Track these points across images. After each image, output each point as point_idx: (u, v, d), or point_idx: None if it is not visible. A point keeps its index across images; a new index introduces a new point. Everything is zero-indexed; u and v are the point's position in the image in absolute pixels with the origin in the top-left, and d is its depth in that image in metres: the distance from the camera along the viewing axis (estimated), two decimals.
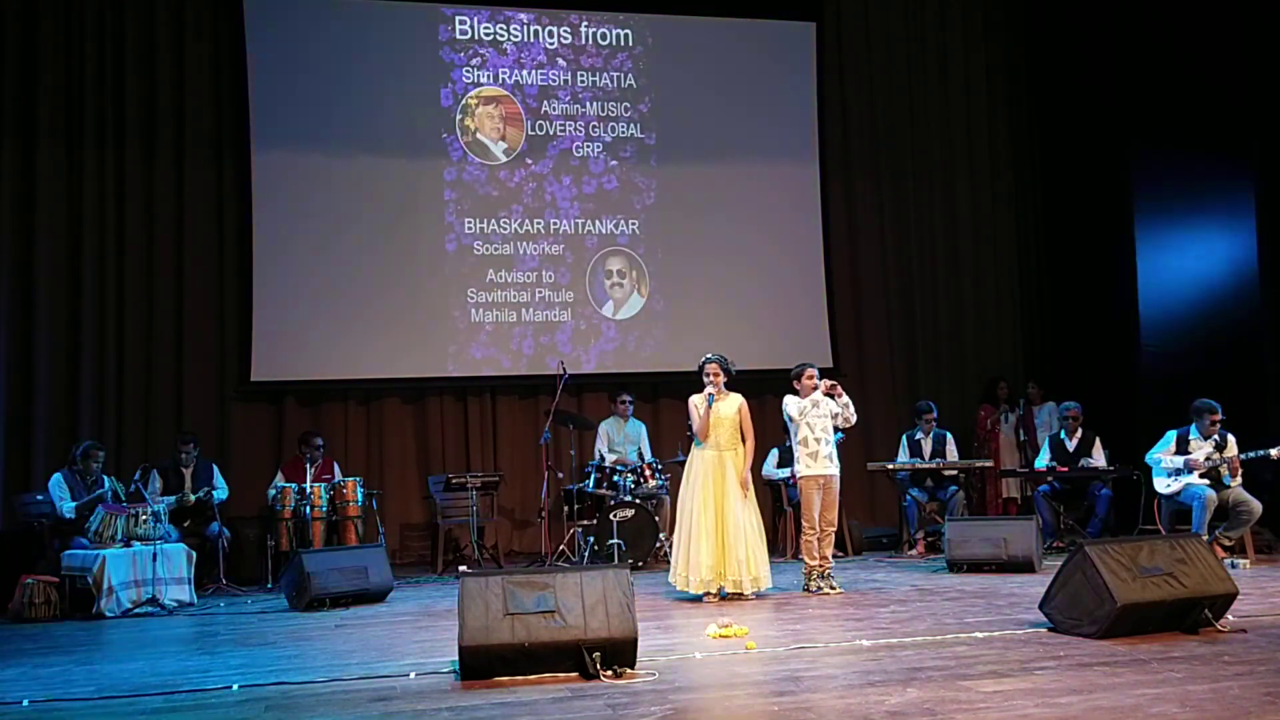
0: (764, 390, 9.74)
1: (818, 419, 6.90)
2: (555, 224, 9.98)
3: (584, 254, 10.04)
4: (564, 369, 8.86)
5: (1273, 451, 7.60)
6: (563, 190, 10.03)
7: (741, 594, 6.56)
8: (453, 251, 9.76)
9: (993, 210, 11.26)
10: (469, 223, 9.79)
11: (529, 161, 9.98)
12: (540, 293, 9.91)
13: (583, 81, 10.14)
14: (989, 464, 9.47)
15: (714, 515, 6.60)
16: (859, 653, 4.82)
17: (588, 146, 10.10)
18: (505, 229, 9.87)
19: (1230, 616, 5.11)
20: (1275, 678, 4.07)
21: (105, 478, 7.87)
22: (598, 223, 10.08)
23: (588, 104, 10.13)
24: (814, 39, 10.65)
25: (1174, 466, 7.91)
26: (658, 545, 8.29)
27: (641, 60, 10.27)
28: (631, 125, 10.21)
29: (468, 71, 9.90)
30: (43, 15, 9.06)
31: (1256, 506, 7.63)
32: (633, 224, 10.16)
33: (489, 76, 9.96)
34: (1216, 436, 7.81)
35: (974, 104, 11.24)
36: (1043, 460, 8.90)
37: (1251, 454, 7.69)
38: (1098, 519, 8.58)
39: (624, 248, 10.15)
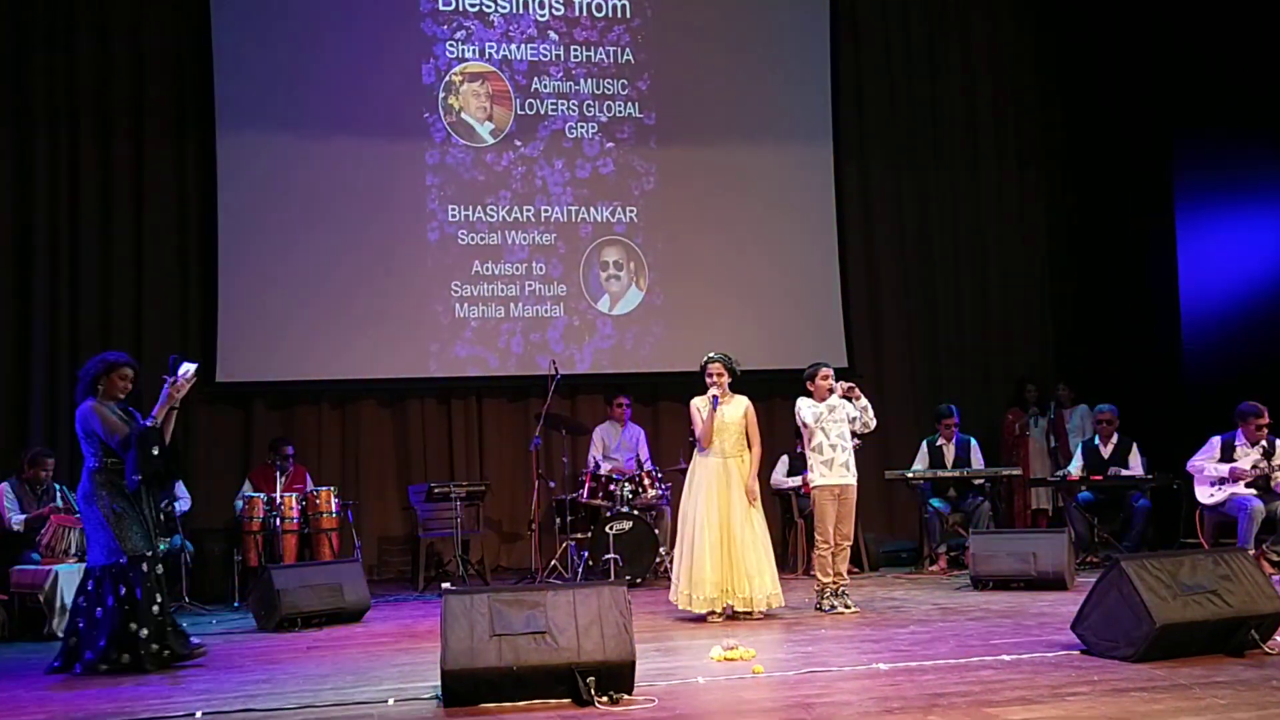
0: (772, 392, 9.75)
1: (834, 424, 6.91)
2: (546, 211, 9.98)
3: (578, 244, 10.04)
4: (556, 369, 8.86)
5: None
6: (554, 175, 10.02)
7: (750, 613, 6.57)
8: (435, 241, 9.76)
9: (1021, 197, 11.26)
10: (453, 210, 9.79)
11: (518, 143, 9.98)
12: (530, 286, 9.91)
13: (576, 56, 10.13)
14: (1016, 472, 9.47)
15: (718, 528, 6.60)
16: (876, 677, 4.82)
17: (582, 127, 10.10)
18: (492, 216, 9.87)
19: (1278, 638, 5.11)
20: None
21: (57, 486, 7.86)
22: (592, 210, 10.08)
23: (582, 81, 10.12)
24: (828, 11, 10.65)
25: (1217, 475, 7.92)
26: (658, 560, 8.29)
27: (640, 34, 10.27)
28: (629, 104, 10.20)
29: (451, 46, 9.90)
30: None
31: None
32: (630, 211, 10.16)
33: (474, 51, 9.95)
34: (1265, 442, 7.82)
35: (1001, 82, 11.24)
36: (1075, 468, 8.91)
37: None
38: (1135, 532, 8.58)
39: (621, 237, 10.15)
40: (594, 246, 10.07)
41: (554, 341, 9.86)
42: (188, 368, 5.72)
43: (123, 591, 5.61)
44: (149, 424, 5.63)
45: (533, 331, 9.87)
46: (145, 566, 5.67)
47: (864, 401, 6.97)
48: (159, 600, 5.68)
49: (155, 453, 5.58)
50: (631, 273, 10.14)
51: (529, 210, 9.95)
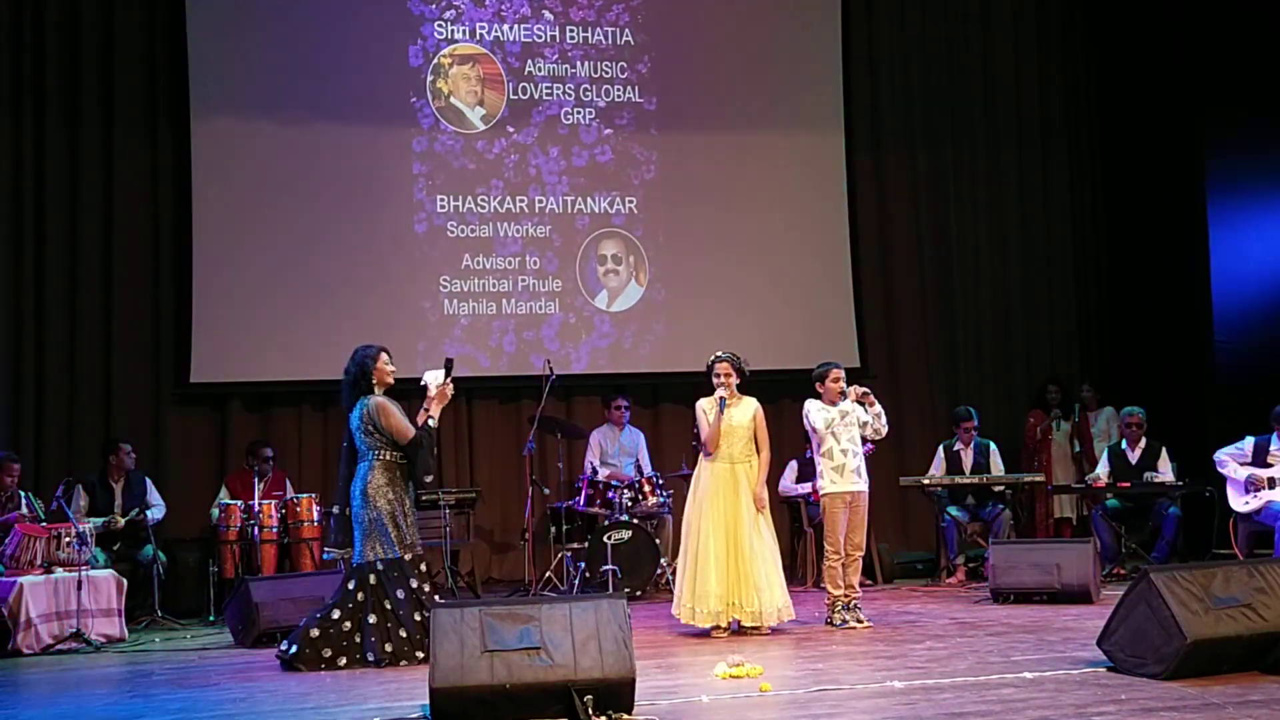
0: (780, 394, 9.74)
1: (845, 429, 6.93)
2: (541, 202, 9.97)
3: (574, 236, 10.03)
4: (551, 369, 8.86)
5: None
6: (549, 163, 10.02)
7: (758, 627, 6.58)
8: (423, 233, 9.75)
9: (1044, 187, 11.25)
10: (441, 200, 9.78)
11: (510, 130, 9.97)
12: (524, 281, 9.90)
13: (573, 38, 10.12)
14: (1039, 478, 9.47)
15: (724, 537, 6.61)
16: (890, 696, 4.83)
17: (578, 113, 10.09)
18: (484, 208, 9.86)
19: None
20: None
21: (22, 494, 7.87)
22: (590, 200, 10.08)
23: (578, 64, 10.11)
24: None
25: (1237, 477, 7.95)
26: (659, 572, 8.30)
27: (640, 13, 10.26)
28: (629, 88, 10.19)
29: (440, 26, 9.89)
30: None
31: None
32: (630, 202, 10.16)
33: (465, 32, 9.95)
34: None
35: (1024, 63, 11.23)
36: (1101, 474, 8.91)
37: None
38: (1165, 542, 8.59)
39: (620, 229, 10.15)
40: (591, 239, 10.08)
41: (549, 340, 9.86)
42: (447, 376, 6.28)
43: (390, 589, 5.97)
44: (430, 425, 6.13)
45: (526, 329, 9.87)
46: (424, 566, 6.10)
47: (877, 408, 6.99)
48: (426, 592, 6.05)
49: (436, 453, 6.10)
50: (631, 267, 10.15)
51: (522, 201, 9.95)
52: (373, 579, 6.01)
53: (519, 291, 9.89)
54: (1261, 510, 7.87)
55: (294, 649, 5.94)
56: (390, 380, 6.29)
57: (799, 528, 9.14)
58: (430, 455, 6.10)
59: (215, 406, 9.45)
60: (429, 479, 6.21)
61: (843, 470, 6.89)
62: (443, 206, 9.80)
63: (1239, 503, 8.01)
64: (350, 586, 6.03)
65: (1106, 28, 11.16)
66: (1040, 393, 10.47)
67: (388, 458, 6.09)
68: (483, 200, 9.88)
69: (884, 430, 7.04)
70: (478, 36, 9.97)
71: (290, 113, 9.53)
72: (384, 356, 6.28)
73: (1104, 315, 11.19)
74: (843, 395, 6.97)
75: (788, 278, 10.34)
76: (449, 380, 6.26)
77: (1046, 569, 7.44)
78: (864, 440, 7.08)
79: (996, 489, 8.99)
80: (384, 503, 6.03)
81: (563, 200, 10.03)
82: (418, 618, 5.93)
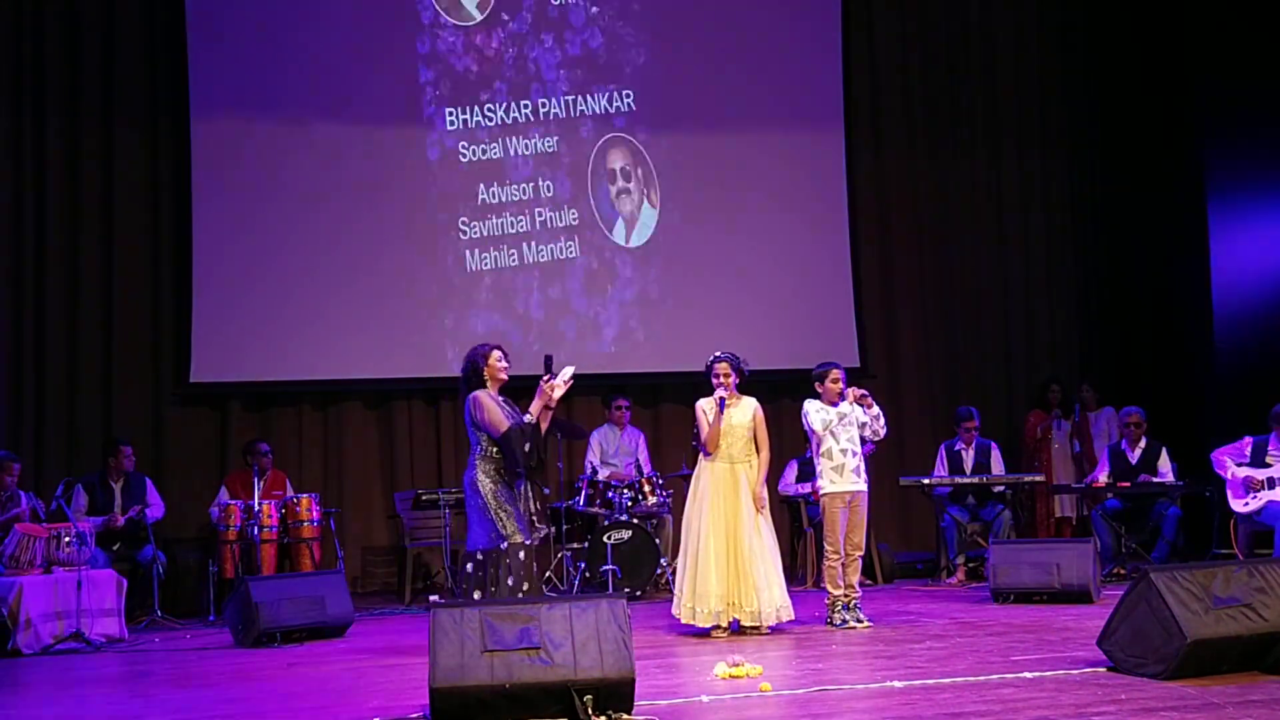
0: (780, 394, 9.75)
1: (844, 429, 6.94)
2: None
3: (581, 147, 10.02)
4: (550, 369, 8.84)
5: None
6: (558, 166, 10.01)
7: (757, 627, 6.58)
8: (423, 233, 9.72)
9: (1045, 187, 11.26)
10: (443, 200, 9.73)
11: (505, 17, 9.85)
12: (540, 291, 9.86)
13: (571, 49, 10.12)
14: (1039, 478, 9.47)
15: (724, 537, 6.62)
16: (890, 695, 4.83)
17: (577, 106, 10.10)
18: (491, 201, 9.80)
19: None
20: None
21: (22, 493, 7.87)
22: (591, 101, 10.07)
23: (578, 67, 10.11)
24: None
25: (1233, 478, 7.96)
26: (659, 572, 8.30)
27: (641, 13, 10.24)
28: (618, 98, 10.14)
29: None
30: None
31: None
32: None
33: None
34: None
35: (1024, 63, 11.24)
36: (1101, 474, 8.92)
37: None
38: (1165, 542, 8.59)
39: (625, 133, 10.11)
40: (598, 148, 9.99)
41: (575, 295, 9.83)
42: (568, 370, 6.34)
43: (499, 575, 6.06)
44: (525, 420, 6.18)
45: (550, 285, 9.83)
46: (522, 555, 6.14)
47: (876, 410, 7.00)
48: (525, 589, 6.09)
49: (527, 448, 6.12)
50: (640, 182, 10.04)
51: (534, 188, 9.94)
52: (469, 566, 6.14)
53: (534, 295, 9.81)
54: (1261, 510, 7.87)
55: None
56: (503, 377, 6.34)
57: (799, 528, 9.14)
58: (520, 449, 6.10)
59: (215, 406, 9.44)
60: (521, 470, 6.22)
61: (842, 470, 6.90)
62: (444, 206, 9.77)
63: (1238, 503, 8.01)
64: (469, 569, 6.16)
65: (1107, 28, 11.17)
66: (1040, 393, 10.48)
67: (482, 451, 6.22)
68: (485, 199, 9.82)
69: (882, 432, 7.05)
70: None
71: (290, 112, 9.51)
72: (496, 354, 6.35)
73: (1104, 315, 11.19)
74: (841, 396, 6.98)
75: (787, 277, 10.33)
76: (547, 376, 6.31)
77: (1046, 569, 7.43)
78: (864, 441, 7.08)
79: (997, 489, 8.99)
80: (486, 494, 6.16)
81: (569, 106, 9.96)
82: None
